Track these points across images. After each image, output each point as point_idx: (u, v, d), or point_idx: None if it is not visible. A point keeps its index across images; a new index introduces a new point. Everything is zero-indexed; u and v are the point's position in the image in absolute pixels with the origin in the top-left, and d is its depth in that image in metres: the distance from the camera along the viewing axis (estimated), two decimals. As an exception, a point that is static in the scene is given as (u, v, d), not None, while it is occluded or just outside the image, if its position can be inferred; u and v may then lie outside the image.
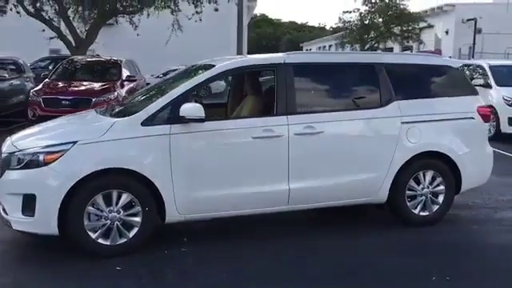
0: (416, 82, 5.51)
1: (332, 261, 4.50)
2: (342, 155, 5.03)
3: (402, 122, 5.19)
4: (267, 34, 74.36)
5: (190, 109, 4.46)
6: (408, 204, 5.32)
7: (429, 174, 5.35)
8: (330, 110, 5.10)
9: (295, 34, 69.60)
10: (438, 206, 5.43)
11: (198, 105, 4.49)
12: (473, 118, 5.51)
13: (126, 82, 11.43)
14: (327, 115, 5.03)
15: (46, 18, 15.39)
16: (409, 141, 5.19)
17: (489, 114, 5.71)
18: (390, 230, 5.24)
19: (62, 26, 15.74)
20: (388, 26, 20.12)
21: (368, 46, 21.74)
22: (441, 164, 5.38)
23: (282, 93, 4.92)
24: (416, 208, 5.36)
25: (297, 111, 4.91)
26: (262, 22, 79.93)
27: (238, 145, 4.76)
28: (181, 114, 4.46)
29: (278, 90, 4.93)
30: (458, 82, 5.66)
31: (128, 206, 4.45)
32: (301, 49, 52.58)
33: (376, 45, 22.33)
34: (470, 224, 5.59)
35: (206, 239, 4.96)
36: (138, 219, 4.47)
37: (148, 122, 4.50)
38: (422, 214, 5.39)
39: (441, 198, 5.42)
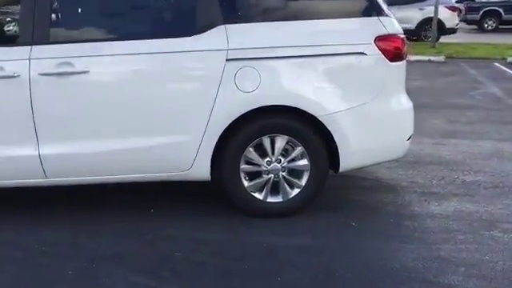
0: (267, -4, 3.52)
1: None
2: (121, 108, 3.32)
3: (229, 59, 3.30)
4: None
5: None
6: (245, 185, 3.50)
7: (280, 142, 3.45)
8: (105, 40, 3.35)
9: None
10: (298, 190, 3.53)
11: None
12: (364, 54, 3.42)
13: None
14: (98, 46, 3.30)
15: None
16: (239, 88, 3.31)
17: (399, 47, 3.50)
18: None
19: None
20: None
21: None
22: (301, 127, 3.43)
23: (27, 13, 3.28)
24: (261, 191, 3.52)
25: (50, 40, 3.26)
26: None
27: None
28: None
29: (22, 9, 3.30)
30: (346, -4, 3.52)
31: None
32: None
33: None
34: (349, 219, 3.58)
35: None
36: None
37: None
38: (270, 200, 3.54)
39: (304, 179, 3.52)
